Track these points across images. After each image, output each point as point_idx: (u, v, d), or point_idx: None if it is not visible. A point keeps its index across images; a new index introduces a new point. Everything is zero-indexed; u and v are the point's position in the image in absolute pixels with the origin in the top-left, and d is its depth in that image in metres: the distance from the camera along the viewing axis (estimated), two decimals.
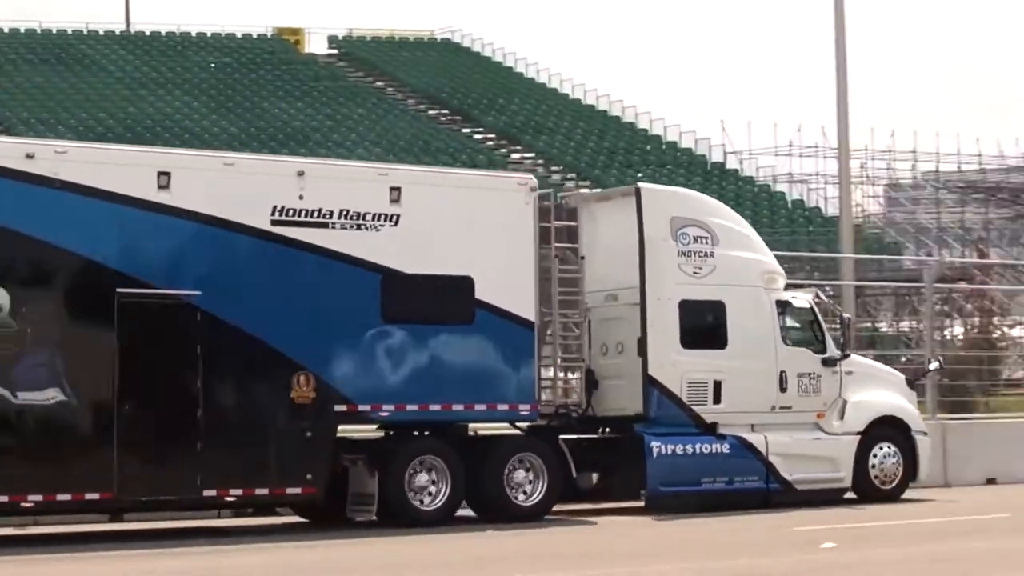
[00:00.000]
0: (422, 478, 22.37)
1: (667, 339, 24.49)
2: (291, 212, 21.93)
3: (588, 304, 24.71)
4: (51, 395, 20.34)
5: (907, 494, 26.40)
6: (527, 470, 23.27)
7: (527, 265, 23.43)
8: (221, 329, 21.26)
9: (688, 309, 24.78)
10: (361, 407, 22.14)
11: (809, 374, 25.88)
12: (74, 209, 20.60)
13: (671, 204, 25.46)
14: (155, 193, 21.05)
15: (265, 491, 21.72)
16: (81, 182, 20.61)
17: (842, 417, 26.15)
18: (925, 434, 27.07)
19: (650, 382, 24.33)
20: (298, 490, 21.80)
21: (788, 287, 26.39)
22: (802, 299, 26.43)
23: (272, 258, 21.83)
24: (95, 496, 20.48)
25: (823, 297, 28.58)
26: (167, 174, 21.24)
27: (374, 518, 22.13)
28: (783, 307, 25.84)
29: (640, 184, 26.45)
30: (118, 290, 20.66)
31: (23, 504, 20.25)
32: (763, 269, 25.84)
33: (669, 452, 24.32)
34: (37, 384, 20.25)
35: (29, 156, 20.58)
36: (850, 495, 26.15)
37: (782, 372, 25.62)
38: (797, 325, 26.16)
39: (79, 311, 20.72)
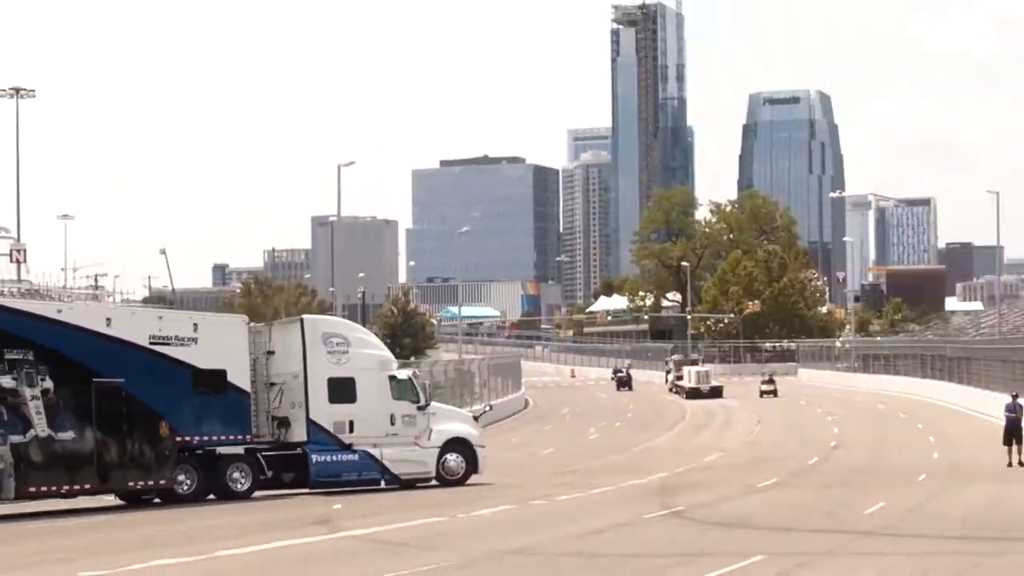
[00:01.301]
0: (180, 476, 40.41)
1: (320, 398, 42.43)
2: (156, 337, 40.36)
3: (281, 381, 42.97)
4: (71, 434, 38.13)
5: (475, 480, 44.19)
6: (240, 472, 41.51)
7: (245, 362, 42.15)
8: (132, 399, 39.48)
9: (332, 382, 42.61)
10: (186, 438, 40.59)
11: (408, 415, 43.55)
12: (73, 337, 38.52)
13: (322, 325, 44.56)
14: (104, 327, 39.48)
15: (151, 482, 39.98)
16: (73, 322, 38.79)
17: (429, 438, 43.80)
18: (483, 446, 44.94)
19: (311, 422, 42.44)
20: (163, 482, 40.08)
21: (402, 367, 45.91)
22: (404, 374, 44.84)
23: (150, 361, 40.00)
24: (89, 486, 38.74)
25: (418, 373, 47.50)
26: (109, 319, 39.96)
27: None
28: (392, 379, 43.70)
29: (304, 316, 47.45)
30: (94, 380, 38.72)
31: (61, 491, 38.13)
32: (379, 359, 44.07)
33: (323, 460, 42.21)
34: (64, 428, 38.01)
35: (59, 311, 39.25)
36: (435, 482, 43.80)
37: (391, 414, 43.22)
38: (401, 388, 43.59)
39: (79, 390, 38.42)
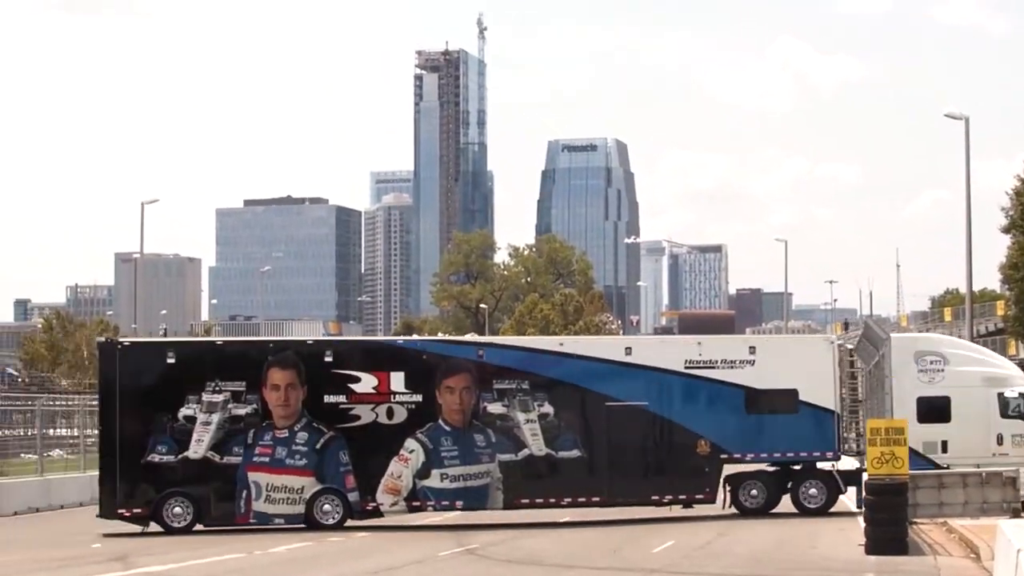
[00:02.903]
0: (752, 491, 42.05)
1: (907, 418, 37.62)
2: (694, 362, 41.72)
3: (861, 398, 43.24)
4: (575, 452, 41.19)
5: None
6: (816, 488, 41.83)
7: (830, 380, 42.02)
8: (659, 420, 41.43)
9: (922, 401, 41.18)
10: (734, 455, 41.62)
11: (1019, 435, 41.11)
12: (578, 366, 41.65)
13: (916, 343, 43.38)
14: (623, 356, 41.96)
15: (684, 496, 41.40)
16: (581, 353, 42.48)
17: None
18: None
19: None
20: (701, 496, 41.44)
21: None
22: (1014, 391, 41.48)
23: (685, 384, 41.54)
24: (597, 499, 41.35)
25: None
26: (629, 348, 42.63)
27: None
28: (1000, 396, 41.25)
29: (892, 335, 44.15)
30: (606, 404, 41.25)
31: (562, 502, 41.50)
32: (983, 376, 41.63)
33: None
34: (566, 448, 41.23)
35: (561, 344, 44.08)
36: None
37: (999, 434, 41.20)
38: (1011, 405, 41.20)
39: (589, 413, 41.46)
